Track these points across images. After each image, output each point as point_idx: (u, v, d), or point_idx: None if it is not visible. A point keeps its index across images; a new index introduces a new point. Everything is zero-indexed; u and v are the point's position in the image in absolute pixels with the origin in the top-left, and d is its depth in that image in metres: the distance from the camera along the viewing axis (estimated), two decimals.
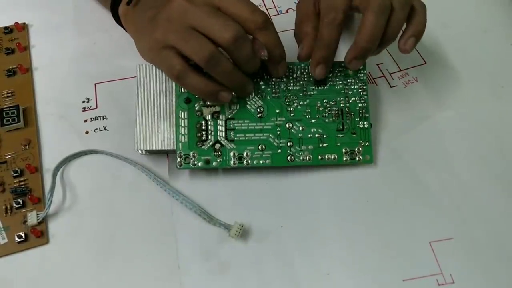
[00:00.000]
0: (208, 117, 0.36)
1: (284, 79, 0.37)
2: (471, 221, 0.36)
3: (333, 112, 0.37)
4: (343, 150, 0.37)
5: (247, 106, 0.36)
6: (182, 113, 0.36)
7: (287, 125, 0.36)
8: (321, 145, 0.36)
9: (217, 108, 0.36)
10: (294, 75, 0.37)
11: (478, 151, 0.38)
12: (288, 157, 0.36)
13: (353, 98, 0.37)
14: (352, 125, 0.37)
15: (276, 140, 0.36)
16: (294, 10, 0.39)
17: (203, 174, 0.37)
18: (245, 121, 0.36)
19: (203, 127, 0.36)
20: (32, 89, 0.41)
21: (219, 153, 0.35)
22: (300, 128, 0.37)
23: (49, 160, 0.37)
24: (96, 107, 0.40)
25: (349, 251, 0.34)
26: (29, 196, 0.35)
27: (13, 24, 0.44)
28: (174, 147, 0.35)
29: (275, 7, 0.46)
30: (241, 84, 0.35)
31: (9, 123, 0.38)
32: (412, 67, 0.43)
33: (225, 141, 0.36)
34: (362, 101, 0.37)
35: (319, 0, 0.35)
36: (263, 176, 0.37)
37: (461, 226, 0.35)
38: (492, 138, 0.39)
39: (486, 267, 0.34)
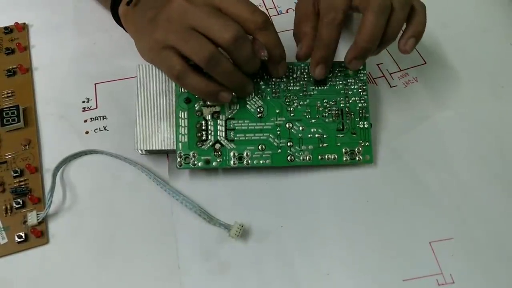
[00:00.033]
0: (208, 117, 0.36)
1: (284, 79, 0.37)
2: (471, 221, 0.36)
3: (333, 112, 0.37)
4: (343, 150, 0.37)
5: (247, 106, 0.36)
6: (182, 113, 0.36)
7: (287, 125, 0.36)
8: (321, 145, 0.36)
9: (217, 108, 0.36)
10: (294, 75, 0.37)
11: (478, 151, 0.38)
12: (288, 157, 0.36)
13: (353, 98, 0.37)
14: (352, 125, 0.37)
15: (276, 140, 0.36)
16: (294, 10, 0.39)
17: (203, 174, 0.37)
18: (245, 121, 0.36)
19: (203, 127, 0.36)
20: (32, 89, 0.41)
21: (219, 153, 0.35)
22: (300, 128, 0.37)
23: (49, 160, 0.37)
24: (96, 107, 0.40)
25: (349, 251, 0.34)
26: (29, 196, 0.35)
27: (13, 24, 0.44)
28: (174, 147, 0.35)
29: (275, 7, 0.46)
30: (241, 84, 0.35)
31: (9, 123, 0.38)
32: (412, 67, 0.43)
33: (225, 141, 0.36)
34: (362, 101, 0.37)
35: (319, 0, 0.35)
36: (263, 176, 0.37)
37: (461, 226, 0.35)
38: (492, 138, 0.39)
39: (486, 267, 0.34)
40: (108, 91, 0.41)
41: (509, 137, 0.39)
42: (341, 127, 0.37)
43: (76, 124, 0.39)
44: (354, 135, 0.37)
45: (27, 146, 0.38)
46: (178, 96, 0.36)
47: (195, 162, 0.35)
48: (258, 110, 0.36)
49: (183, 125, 0.36)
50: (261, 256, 0.34)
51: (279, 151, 0.36)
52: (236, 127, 0.36)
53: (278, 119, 0.36)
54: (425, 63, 0.43)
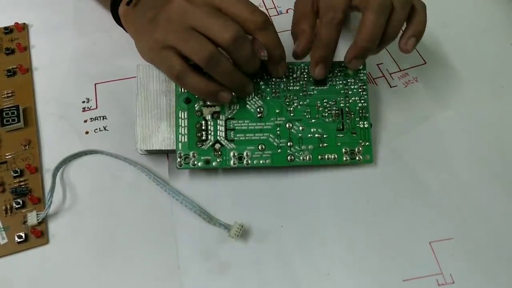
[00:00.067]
0: (208, 117, 0.36)
1: (284, 79, 0.37)
2: (471, 221, 0.36)
3: (333, 112, 0.37)
4: (343, 150, 0.37)
5: (247, 106, 0.36)
6: (182, 113, 0.36)
7: (287, 125, 0.36)
8: (321, 145, 0.36)
9: (217, 108, 0.36)
10: (294, 75, 0.37)
11: (478, 151, 0.38)
12: (288, 157, 0.36)
13: (353, 98, 0.37)
14: (352, 125, 0.37)
15: (276, 140, 0.36)
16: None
17: (203, 174, 0.37)
18: (245, 121, 0.36)
19: (203, 127, 0.36)
20: (32, 89, 0.41)
21: (219, 153, 0.35)
22: (300, 128, 0.37)
23: (49, 160, 0.37)
24: (96, 107, 0.40)
25: (349, 251, 0.34)
26: (29, 196, 0.35)
27: (13, 24, 0.44)
28: (174, 147, 0.35)
29: (275, 7, 0.46)
30: (241, 84, 0.35)
31: (9, 123, 0.38)
32: (412, 67, 0.43)
33: (225, 141, 0.36)
34: (362, 101, 0.37)
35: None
36: (263, 176, 0.37)
37: (461, 226, 0.35)
38: (492, 138, 0.39)
39: (486, 267, 0.34)
40: (108, 91, 0.41)
41: (509, 137, 0.39)
42: (341, 127, 0.37)
43: (76, 124, 0.39)
44: (354, 135, 0.37)
45: (27, 146, 0.38)
46: (178, 96, 0.36)
47: (195, 162, 0.35)
48: (258, 110, 0.36)
49: (183, 125, 0.36)
50: (261, 256, 0.34)
51: (279, 151, 0.36)
52: (236, 127, 0.36)
53: (278, 119, 0.36)
54: (425, 63, 0.43)
